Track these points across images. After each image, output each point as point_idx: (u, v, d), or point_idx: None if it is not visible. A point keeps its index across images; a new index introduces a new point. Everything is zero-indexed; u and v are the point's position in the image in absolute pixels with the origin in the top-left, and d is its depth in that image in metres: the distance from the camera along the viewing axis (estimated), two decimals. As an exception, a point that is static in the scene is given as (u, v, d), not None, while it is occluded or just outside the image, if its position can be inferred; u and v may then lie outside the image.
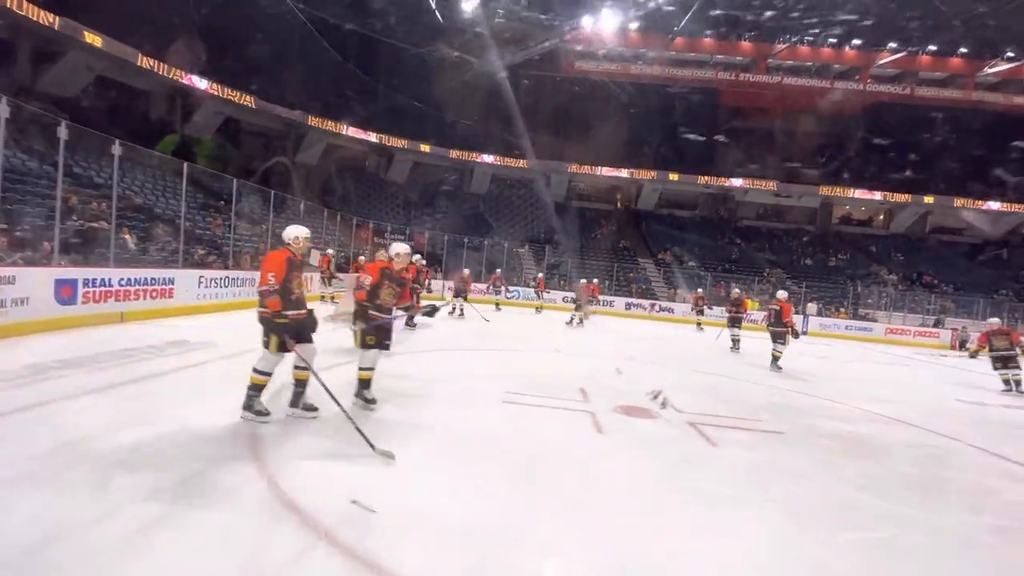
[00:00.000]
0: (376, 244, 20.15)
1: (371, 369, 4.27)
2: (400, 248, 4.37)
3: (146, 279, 8.13)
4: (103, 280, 7.27)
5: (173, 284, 8.68)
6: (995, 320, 10.24)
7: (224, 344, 6.51)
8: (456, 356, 7.55)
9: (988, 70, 30.24)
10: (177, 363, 5.31)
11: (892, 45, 29.93)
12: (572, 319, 13.79)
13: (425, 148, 27.40)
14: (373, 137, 26.03)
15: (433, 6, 25.99)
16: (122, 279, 7.62)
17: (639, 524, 2.69)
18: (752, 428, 4.77)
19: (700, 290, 19.03)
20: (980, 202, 27.95)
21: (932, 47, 29.97)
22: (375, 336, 4.17)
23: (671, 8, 27.10)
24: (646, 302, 21.59)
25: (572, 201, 30.95)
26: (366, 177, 28.43)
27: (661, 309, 21.18)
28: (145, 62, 17.40)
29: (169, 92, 19.88)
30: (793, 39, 30.00)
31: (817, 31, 29.18)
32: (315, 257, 13.46)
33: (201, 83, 19.30)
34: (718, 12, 27.68)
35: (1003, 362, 8.86)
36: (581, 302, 14.11)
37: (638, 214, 30.44)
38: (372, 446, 3.15)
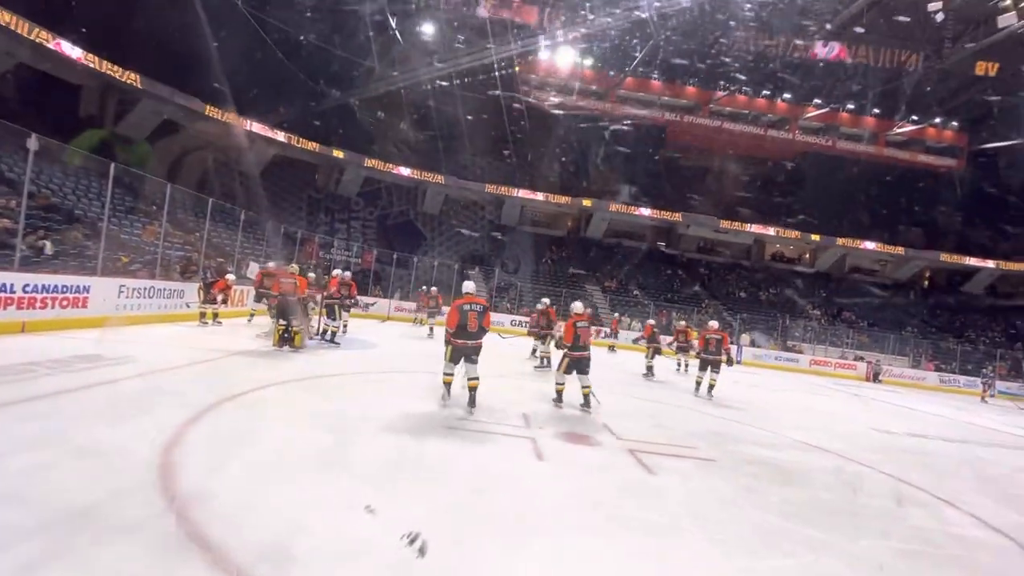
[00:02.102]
0: (320, 259, 19.51)
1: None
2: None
3: (56, 286, 7.42)
4: (3, 285, 6.57)
5: (88, 293, 7.97)
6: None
7: (143, 360, 6.00)
8: (398, 379, 7.34)
9: (897, 130, 33.87)
10: (85, 380, 4.83)
11: (817, 101, 32.96)
12: (535, 350, 11.32)
13: (377, 164, 27.04)
14: (321, 149, 25.44)
15: (393, 26, 26.15)
16: (27, 285, 6.91)
17: (575, 554, 2.66)
18: (687, 456, 4.91)
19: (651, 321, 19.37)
20: (888, 247, 30.78)
21: (851, 106, 33.26)
22: None
23: (622, 50, 28.62)
24: (592, 328, 22.01)
25: (524, 226, 31.47)
26: (315, 190, 27.66)
27: (607, 335, 21.65)
28: (73, 52, 16.21)
29: (101, 87, 18.65)
30: (732, 88, 32.41)
31: (752, 83, 31.70)
32: (253, 270, 12.78)
33: (137, 79, 18.24)
34: (664, 58, 29.48)
35: None
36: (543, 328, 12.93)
37: (587, 242, 31.30)
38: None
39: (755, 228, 30.58)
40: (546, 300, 10.78)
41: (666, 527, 3.14)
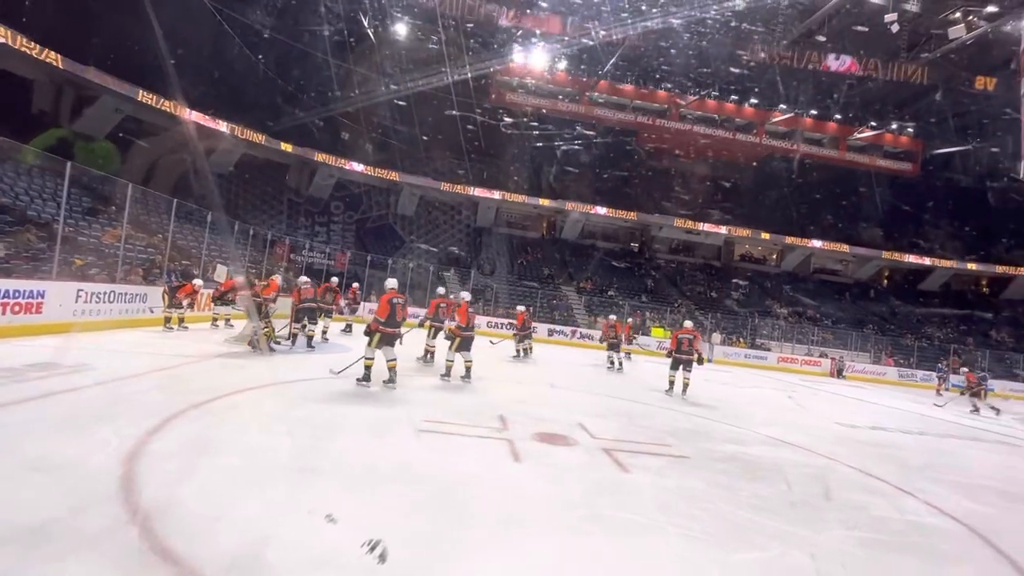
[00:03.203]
0: (291, 262, 19.11)
1: None
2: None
3: (7, 291, 7.06)
4: (-50, 290, 6.22)
5: (43, 298, 7.61)
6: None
7: (103, 368, 5.76)
8: (371, 384, 7.23)
9: (857, 135, 35.22)
10: (39, 389, 4.61)
11: (782, 106, 34.01)
12: (518, 352, 12.72)
13: (349, 165, 26.64)
14: (292, 149, 24.93)
15: (367, 25, 25.84)
16: (-25, 290, 6.56)
17: (553, 554, 2.68)
18: (661, 453, 4.99)
19: (629, 319, 19.58)
20: (849, 247, 31.95)
21: (814, 111, 34.44)
22: None
23: (595, 53, 28.95)
24: (567, 328, 22.19)
25: (500, 227, 31.50)
26: (286, 192, 27.09)
27: (582, 336, 21.85)
28: (25, 45, 15.41)
29: (55, 82, 17.85)
30: (701, 92, 33.15)
31: (721, 88, 32.51)
32: (221, 273, 12.41)
33: (98, 76, 17.52)
34: (636, 62, 29.97)
35: None
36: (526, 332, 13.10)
37: (562, 243, 31.53)
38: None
39: (725, 229, 31.33)
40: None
41: (641, 524, 3.19)
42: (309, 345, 9.28)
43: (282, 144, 24.41)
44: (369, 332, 6.55)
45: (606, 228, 32.56)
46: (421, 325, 9.53)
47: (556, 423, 5.65)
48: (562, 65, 32.09)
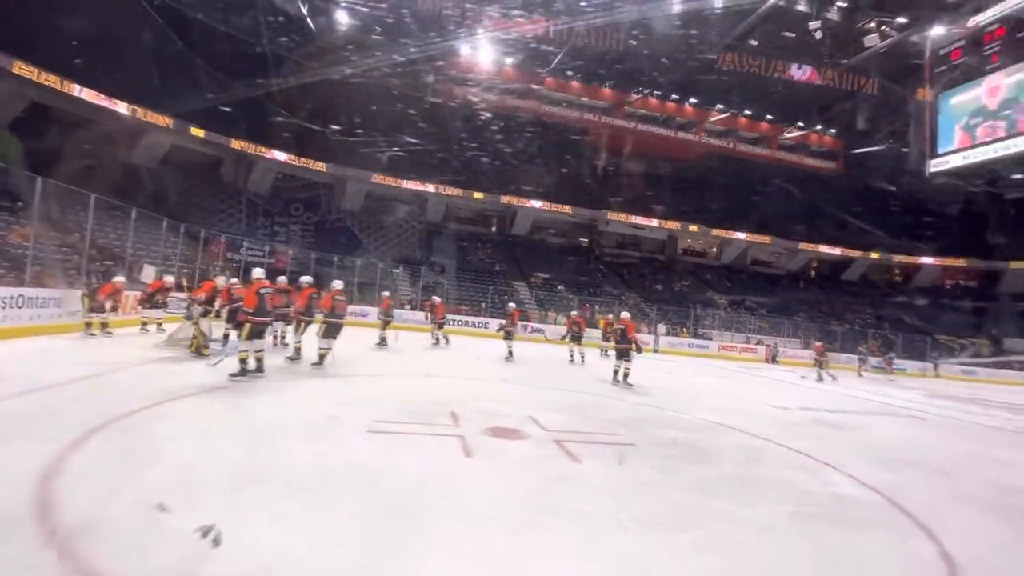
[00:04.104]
0: (228, 261, 18.11)
1: None
2: None
3: None
4: None
5: (-63, 304, 6.82)
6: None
7: (14, 378, 5.25)
8: (319, 384, 7.01)
9: (786, 135, 37.50)
10: (-65, 406, 4.14)
11: (720, 106, 35.67)
12: (509, 353, 12.60)
13: (290, 159, 25.50)
14: (227, 142, 23.59)
15: (306, 13, 24.78)
16: None
17: (506, 547, 2.71)
18: (610, 442, 5.14)
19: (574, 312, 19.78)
20: (782, 240, 34.07)
21: (748, 112, 36.34)
22: None
23: (543, 50, 29.18)
24: (519, 323, 22.34)
25: (449, 223, 31.23)
26: (220, 186, 25.61)
27: (534, 330, 22.07)
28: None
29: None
30: (645, 91, 34.20)
31: (663, 87, 33.64)
32: (148, 273, 11.58)
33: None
34: (581, 60, 30.45)
35: None
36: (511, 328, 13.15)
37: (513, 239, 31.67)
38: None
39: (668, 224, 32.53)
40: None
41: (592, 511, 3.28)
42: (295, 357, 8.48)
43: (215, 136, 23.05)
44: (238, 324, 6.61)
45: (556, 223, 33.00)
46: (294, 319, 9.07)
47: (508, 417, 5.69)
48: (511, 60, 32.14)
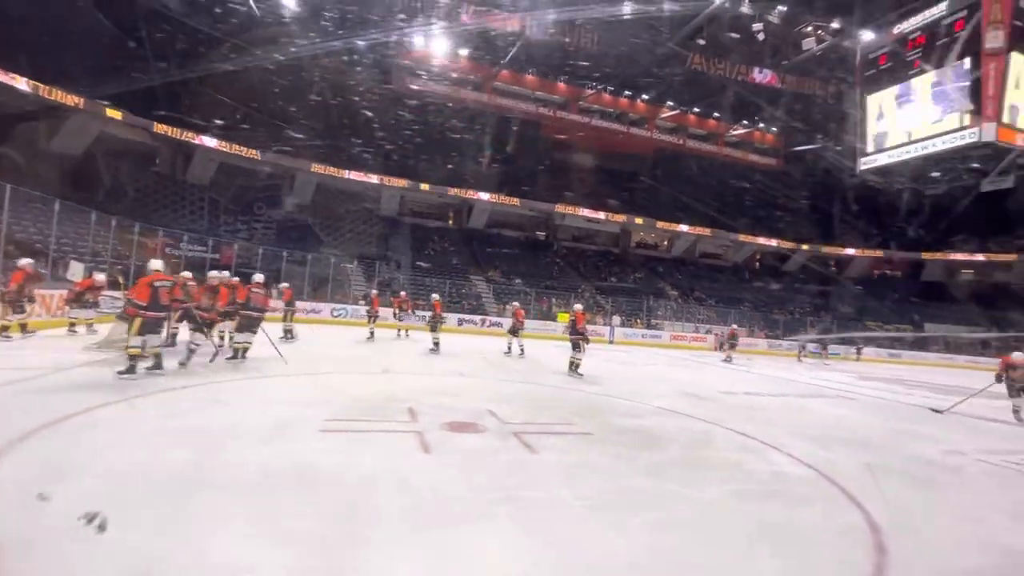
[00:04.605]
0: (167, 255, 17.08)
1: None
2: None
3: None
4: None
5: None
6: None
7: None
8: (269, 383, 6.75)
9: (731, 132, 39.05)
10: None
11: (670, 103, 36.68)
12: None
13: (229, 147, 24.16)
14: (161, 129, 22.14)
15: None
16: None
17: (464, 540, 2.72)
18: (566, 432, 5.25)
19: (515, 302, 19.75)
20: (728, 233, 35.59)
21: (696, 109, 37.56)
22: None
23: (497, 43, 29.03)
24: (477, 317, 22.34)
25: (404, 217, 30.71)
26: (156, 177, 24.09)
27: (491, 324, 22.11)
28: None
29: None
30: (598, 87, 34.69)
31: (615, 83, 34.25)
32: (76, 271, 10.76)
33: None
34: (536, 54, 30.52)
35: None
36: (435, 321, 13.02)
37: (469, 232, 31.52)
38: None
39: (622, 218, 33.29)
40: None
41: (549, 500, 3.34)
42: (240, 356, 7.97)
43: (136, 119, 21.39)
44: (126, 318, 6.20)
45: (512, 217, 33.09)
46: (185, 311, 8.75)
47: (466, 411, 5.68)
48: (466, 52, 31.80)
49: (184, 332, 8.30)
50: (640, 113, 37.41)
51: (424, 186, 28.62)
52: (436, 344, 12.25)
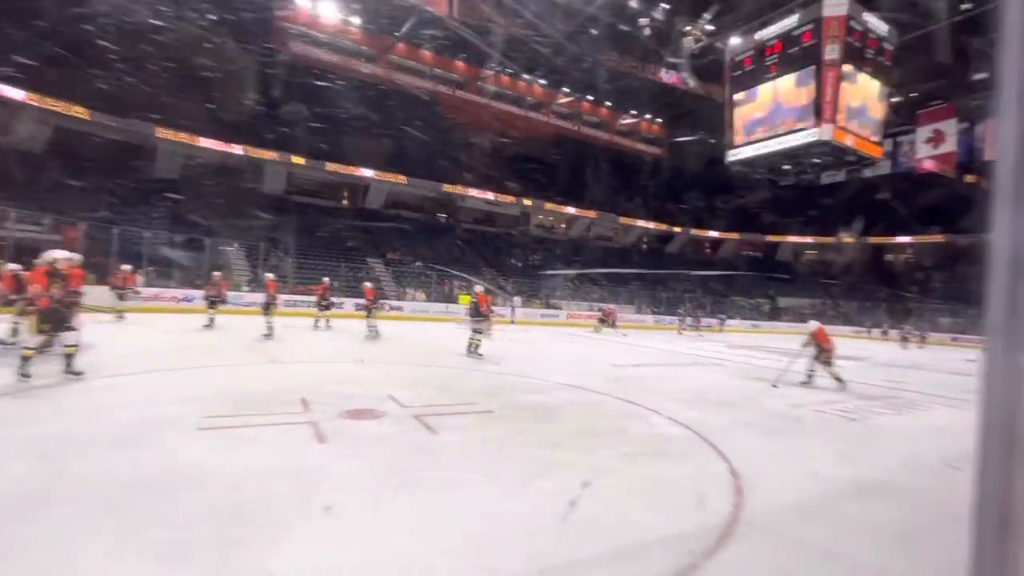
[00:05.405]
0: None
1: None
2: None
3: None
4: None
5: None
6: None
7: None
8: (140, 380, 5.97)
9: (622, 121, 41.36)
10: None
11: (566, 89, 37.78)
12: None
13: (76, 110, 20.55)
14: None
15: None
16: None
17: (365, 526, 2.66)
18: (468, 412, 5.32)
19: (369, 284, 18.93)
20: (618, 216, 37.91)
21: (590, 97, 39.12)
22: None
23: (392, 14, 27.65)
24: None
25: (293, 196, 28.51)
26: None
27: (392, 308, 21.51)
28: None
29: None
30: (496, 68, 34.63)
31: (514, 65, 34.43)
32: None
33: None
34: (433, 31, 29.62)
35: None
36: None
37: (365, 213, 30.16)
38: None
39: (522, 200, 33.93)
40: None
41: (451, 479, 3.38)
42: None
43: None
44: (25, 313, 5.71)
45: (412, 198, 32.20)
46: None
47: (365, 398, 5.52)
48: (358, 20, 29.89)
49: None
50: (538, 97, 38.11)
51: (296, 159, 26.10)
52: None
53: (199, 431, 4.06)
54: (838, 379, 8.32)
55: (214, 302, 12.52)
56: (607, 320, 21.11)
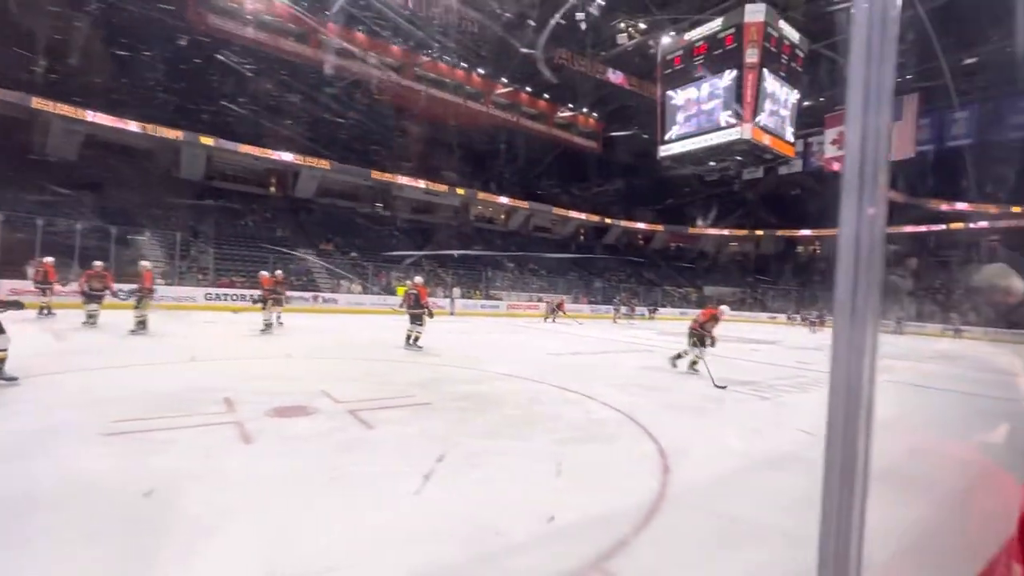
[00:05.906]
0: None
1: None
2: None
3: None
4: None
5: None
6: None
7: None
8: (34, 384, 5.34)
9: (560, 113, 41.90)
10: None
11: (504, 80, 37.68)
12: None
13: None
14: None
15: None
16: None
17: (288, 524, 2.55)
18: (405, 405, 5.23)
19: (266, 273, 17.44)
20: (555, 208, 38.58)
21: (529, 89, 39.28)
22: None
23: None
24: (308, 294, 20.67)
25: (214, 181, 26.56)
26: None
27: (325, 301, 20.71)
28: None
29: None
30: (433, 54, 33.91)
31: (452, 53, 33.88)
32: None
33: None
34: (368, 12, 28.52)
35: None
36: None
37: (296, 202, 28.70)
38: None
39: (460, 191, 33.65)
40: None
41: (383, 472, 3.32)
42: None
43: None
44: None
45: (346, 187, 30.99)
46: None
47: (295, 395, 5.28)
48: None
49: None
50: (476, 87, 37.76)
51: (236, 146, 24.77)
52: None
53: (105, 437, 3.71)
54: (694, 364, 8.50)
55: (97, 296, 10.83)
56: (557, 310, 22.49)
